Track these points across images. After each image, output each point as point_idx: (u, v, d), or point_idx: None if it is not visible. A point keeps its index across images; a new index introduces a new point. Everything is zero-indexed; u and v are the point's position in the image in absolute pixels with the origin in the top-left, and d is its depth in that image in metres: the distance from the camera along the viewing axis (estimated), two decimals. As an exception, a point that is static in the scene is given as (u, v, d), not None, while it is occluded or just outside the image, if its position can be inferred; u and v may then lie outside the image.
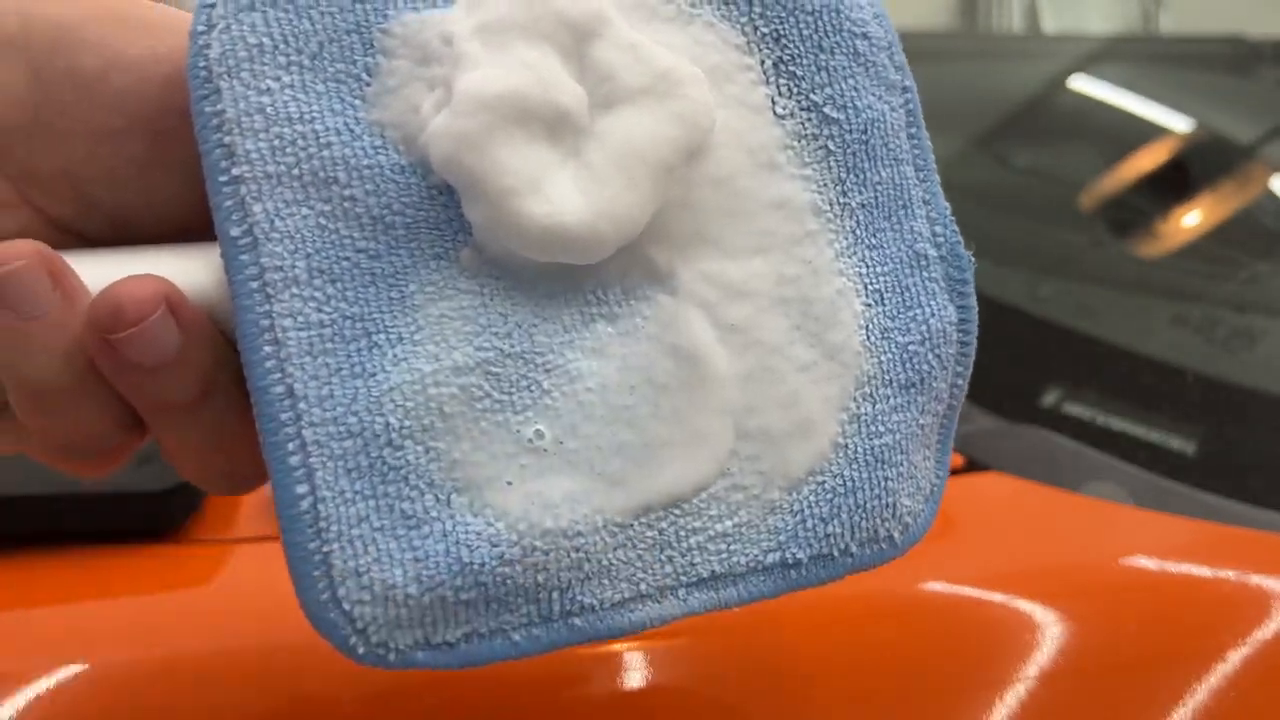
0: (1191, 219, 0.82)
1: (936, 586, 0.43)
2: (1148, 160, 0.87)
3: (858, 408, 0.29)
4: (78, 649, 0.37)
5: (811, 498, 0.29)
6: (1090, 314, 0.71)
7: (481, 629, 0.26)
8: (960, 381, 0.31)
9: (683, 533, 0.28)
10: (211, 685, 0.37)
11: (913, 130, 0.31)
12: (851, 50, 0.30)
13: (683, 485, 0.28)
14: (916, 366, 0.30)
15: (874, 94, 0.30)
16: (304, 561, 0.25)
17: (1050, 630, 0.41)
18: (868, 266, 0.30)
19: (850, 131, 0.30)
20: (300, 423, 0.25)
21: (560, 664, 0.39)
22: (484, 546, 0.25)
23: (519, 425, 0.26)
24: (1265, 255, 0.80)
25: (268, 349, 0.25)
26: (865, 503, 0.29)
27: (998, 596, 0.43)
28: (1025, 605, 0.42)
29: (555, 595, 0.26)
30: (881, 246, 0.30)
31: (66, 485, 0.44)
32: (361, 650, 0.25)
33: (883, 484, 0.29)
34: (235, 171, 0.25)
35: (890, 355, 0.30)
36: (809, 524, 0.29)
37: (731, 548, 0.28)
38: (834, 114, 0.30)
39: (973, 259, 0.31)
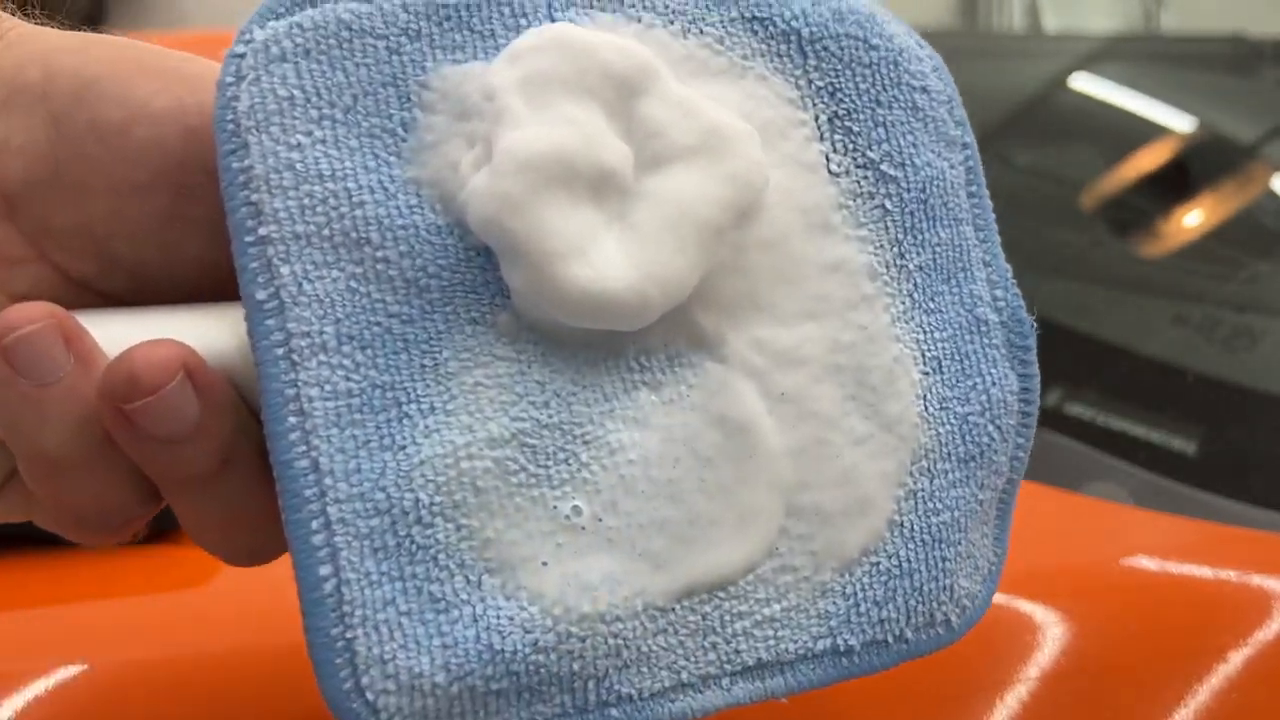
0: (1192, 219, 0.82)
1: (936, 586, 0.43)
2: (1148, 160, 0.87)
3: (915, 483, 0.28)
4: (77, 649, 0.37)
5: (865, 580, 0.27)
6: (1090, 314, 0.71)
7: None
8: (1021, 454, 0.30)
9: (728, 617, 0.26)
10: (211, 686, 0.37)
11: (973, 189, 0.30)
12: (910, 105, 0.29)
13: (729, 567, 0.26)
14: (976, 439, 0.28)
15: (933, 150, 0.29)
16: (326, 648, 0.23)
17: (1050, 630, 0.41)
18: (925, 332, 0.28)
19: (908, 190, 0.29)
20: (325, 499, 0.23)
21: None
22: (517, 633, 0.24)
23: (556, 501, 0.25)
24: (1266, 255, 0.80)
25: (292, 419, 0.24)
26: (922, 585, 0.28)
27: (998, 596, 0.43)
28: (1025, 605, 0.42)
29: (591, 684, 0.25)
30: (940, 311, 0.29)
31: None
32: None
33: (940, 564, 0.28)
34: (262, 231, 0.24)
35: (949, 427, 0.28)
36: (862, 608, 0.27)
37: (780, 634, 0.26)
38: (891, 171, 0.28)
39: (1035, 325, 0.30)
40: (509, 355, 0.25)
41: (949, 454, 0.28)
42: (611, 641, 0.25)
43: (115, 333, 0.24)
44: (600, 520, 0.25)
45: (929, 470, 0.28)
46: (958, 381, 0.28)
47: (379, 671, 0.23)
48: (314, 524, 0.23)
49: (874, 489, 0.27)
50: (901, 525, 0.27)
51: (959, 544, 0.28)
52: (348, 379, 0.24)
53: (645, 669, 0.25)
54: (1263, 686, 0.41)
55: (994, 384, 0.29)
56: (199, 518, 0.26)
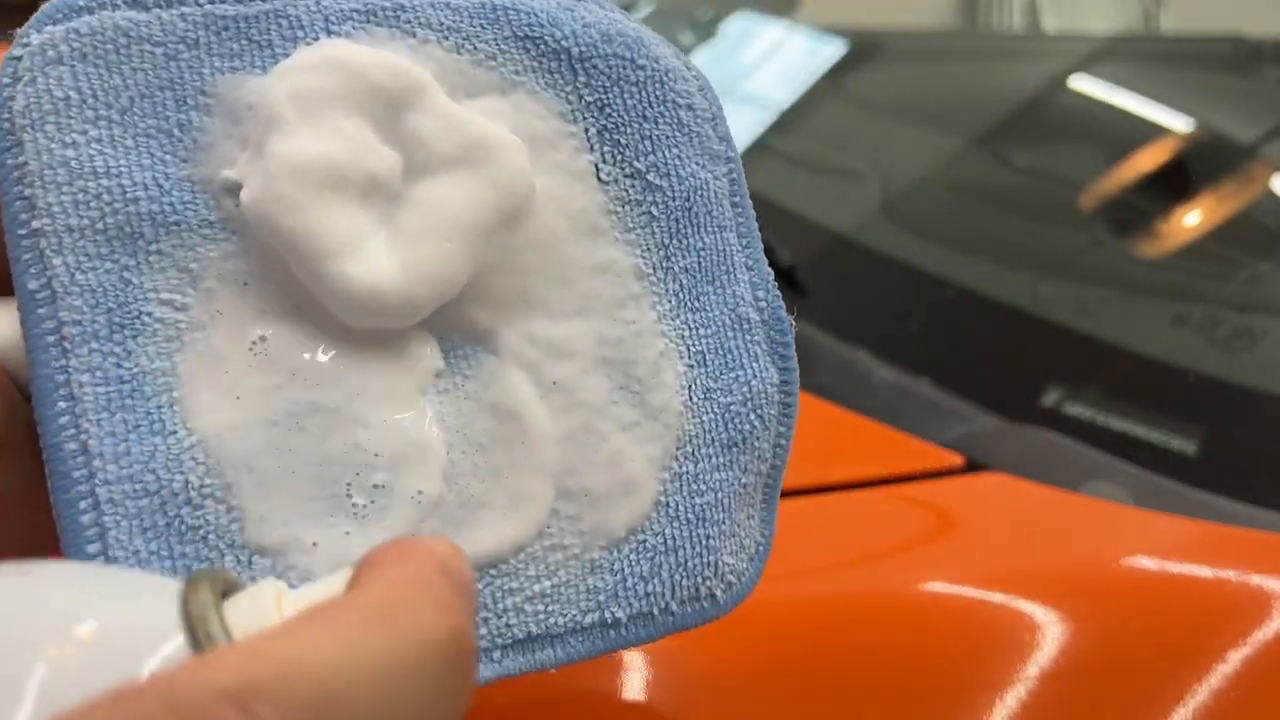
0: (1192, 219, 0.82)
1: (936, 586, 0.43)
2: (1148, 160, 0.87)
3: (680, 467, 0.30)
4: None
5: (632, 556, 0.29)
6: (1090, 314, 0.71)
7: None
8: (783, 442, 0.32)
9: (499, 594, 0.28)
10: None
11: (736, 198, 0.32)
12: (675, 120, 0.31)
13: (501, 546, 0.28)
14: (739, 426, 0.30)
15: (697, 163, 0.31)
16: None
17: (1050, 630, 0.41)
18: (690, 329, 0.30)
19: (673, 198, 0.30)
20: (94, 480, 0.24)
21: (561, 669, 0.39)
22: None
23: (329, 482, 0.26)
24: (1265, 255, 0.80)
25: (62, 404, 0.24)
26: (687, 561, 0.29)
27: (998, 596, 0.43)
28: (1025, 605, 0.42)
29: None
30: (704, 310, 0.31)
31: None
32: None
33: (704, 542, 0.30)
34: (35, 224, 0.25)
35: (712, 415, 0.30)
36: (629, 583, 0.29)
37: (549, 608, 0.28)
38: (658, 181, 0.30)
39: (794, 323, 0.32)
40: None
41: (712, 440, 0.30)
42: None
43: None
44: (372, 502, 0.26)
45: (693, 455, 0.30)
46: (720, 374, 0.30)
47: None
48: (82, 504, 0.24)
49: (640, 472, 0.29)
50: (667, 505, 0.29)
51: (723, 523, 0.30)
52: (119, 365, 0.25)
53: None
54: (1263, 686, 0.41)
55: (755, 376, 0.31)
56: None
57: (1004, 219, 0.87)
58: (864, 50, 1.10)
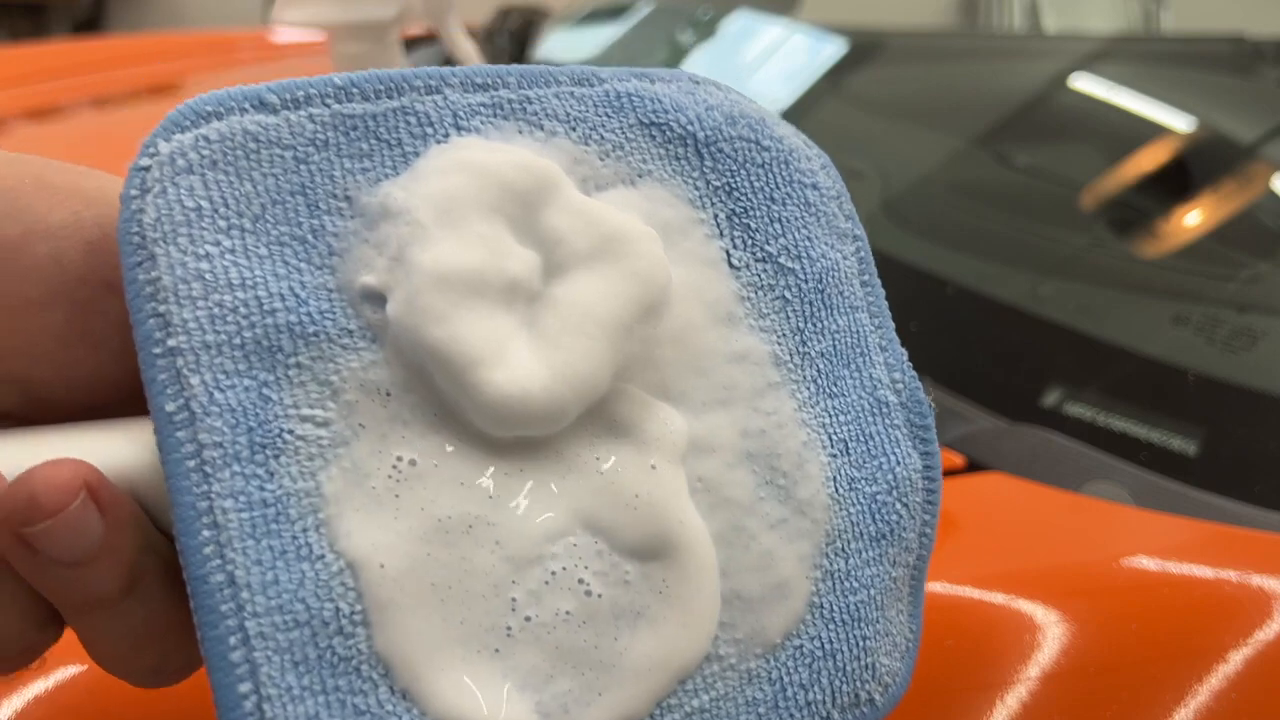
0: (1192, 219, 0.82)
1: (936, 586, 0.43)
2: (1148, 160, 0.87)
3: (830, 564, 0.28)
4: (77, 649, 0.37)
5: (790, 664, 0.28)
6: (1090, 314, 0.71)
7: None
8: (928, 530, 0.30)
9: (656, 712, 0.26)
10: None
11: (865, 277, 0.31)
12: (803, 200, 0.30)
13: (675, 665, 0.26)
14: (886, 517, 0.29)
15: (826, 243, 0.30)
16: None
17: (1050, 630, 0.41)
18: (831, 416, 0.29)
19: (806, 280, 0.30)
20: (243, 613, 0.23)
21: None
22: None
23: (486, 605, 0.25)
24: (1266, 255, 0.80)
25: (206, 533, 0.23)
26: (845, 665, 0.28)
27: (998, 596, 0.43)
28: (1025, 605, 0.42)
29: None
30: (843, 395, 0.30)
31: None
32: None
33: (861, 644, 0.28)
34: (171, 342, 0.24)
35: (859, 507, 0.29)
36: (789, 692, 0.27)
37: None
38: (789, 264, 0.30)
39: (933, 405, 0.31)
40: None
41: (860, 533, 0.29)
42: None
43: (10, 455, 0.24)
44: (529, 620, 0.25)
45: (843, 550, 0.29)
46: (864, 462, 0.29)
47: None
48: (232, 639, 0.23)
49: (791, 571, 0.28)
50: (821, 607, 0.28)
51: (877, 622, 0.29)
52: (262, 488, 0.24)
53: None
54: (1263, 686, 0.41)
55: (898, 463, 0.30)
56: (103, 641, 0.25)
57: (1004, 219, 0.87)
58: (864, 50, 1.10)
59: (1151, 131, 0.92)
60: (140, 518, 0.24)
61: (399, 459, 0.25)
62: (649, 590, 0.26)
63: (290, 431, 0.24)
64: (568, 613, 0.25)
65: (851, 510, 0.29)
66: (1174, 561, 0.46)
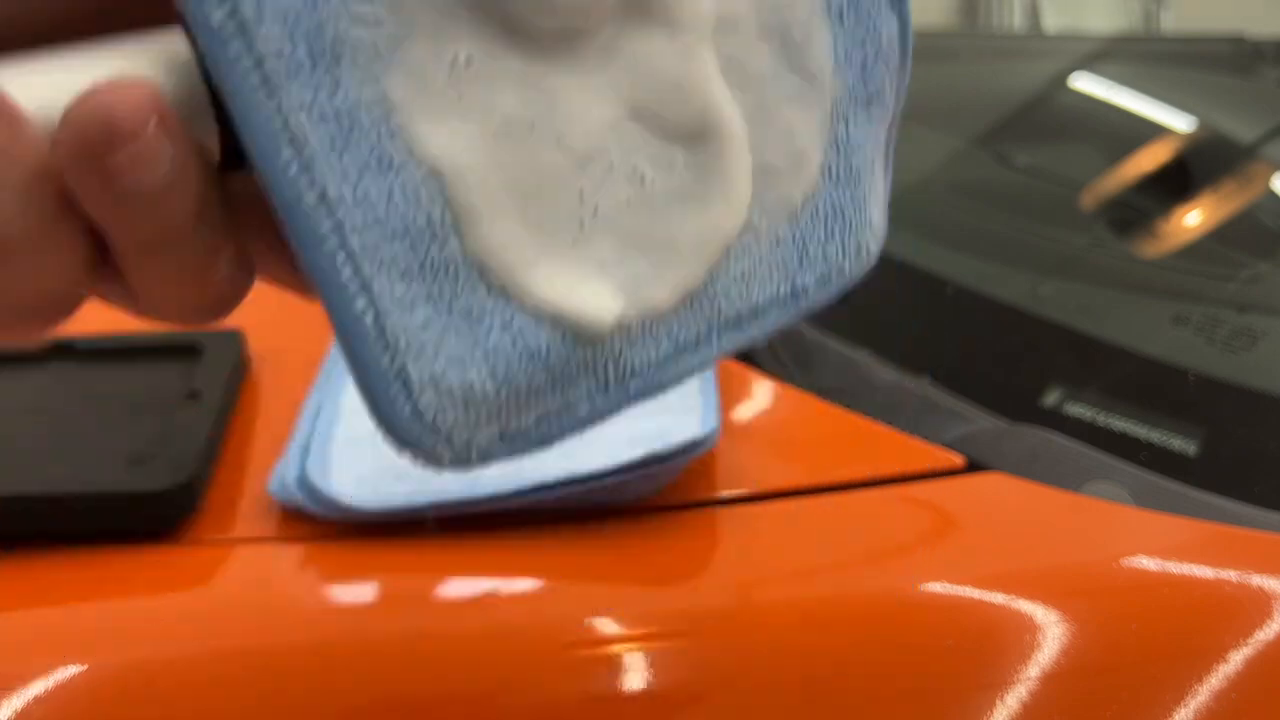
0: (1192, 219, 0.82)
1: (936, 586, 0.43)
2: (1148, 160, 0.87)
3: (835, 130, 0.30)
4: (77, 649, 0.37)
5: (809, 225, 0.29)
6: (1090, 314, 0.71)
7: (550, 409, 0.26)
8: (902, 92, 0.32)
9: (709, 280, 0.28)
10: (210, 686, 0.37)
11: None
12: None
13: (723, 234, 0.28)
14: (875, 82, 0.30)
15: None
16: (380, 379, 0.23)
17: (1050, 630, 0.41)
18: None
19: None
20: (344, 230, 0.22)
21: (561, 668, 0.39)
22: (545, 330, 0.25)
23: (559, 200, 0.25)
24: (1266, 255, 0.80)
25: (287, 152, 0.22)
26: (851, 220, 0.30)
27: (998, 596, 0.43)
28: (1025, 605, 0.42)
29: (609, 365, 0.26)
30: None
31: (66, 485, 0.44)
32: (449, 458, 0.24)
33: (862, 200, 0.30)
34: None
35: (854, 74, 0.30)
36: (811, 251, 0.29)
37: (750, 288, 0.28)
38: None
39: None
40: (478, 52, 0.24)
41: (855, 98, 0.30)
42: (622, 325, 0.26)
43: (28, 83, 0.21)
44: (597, 210, 0.26)
45: (843, 116, 0.30)
46: (854, 29, 0.30)
47: (433, 392, 0.24)
48: (339, 258, 0.22)
49: (808, 140, 0.29)
50: (830, 170, 0.30)
51: (872, 180, 0.31)
52: (331, 99, 0.22)
53: (650, 339, 0.27)
54: (1263, 686, 0.41)
55: (881, 28, 0.31)
56: (165, 280, 0.23)
57: (1004, 219, 0.87)
58: (864, 50, 1.09)
59: (1151, 131, 0.92)
60: (198, 151, 0.22)
61: (456, 56, 0.24)
62: (694, 171, 0.27)
63: (345, 34, 0.22)
64: (628, 200, 0.26)
65: (848, 77, 0.30)
66: (1174, 561, 0.46)
